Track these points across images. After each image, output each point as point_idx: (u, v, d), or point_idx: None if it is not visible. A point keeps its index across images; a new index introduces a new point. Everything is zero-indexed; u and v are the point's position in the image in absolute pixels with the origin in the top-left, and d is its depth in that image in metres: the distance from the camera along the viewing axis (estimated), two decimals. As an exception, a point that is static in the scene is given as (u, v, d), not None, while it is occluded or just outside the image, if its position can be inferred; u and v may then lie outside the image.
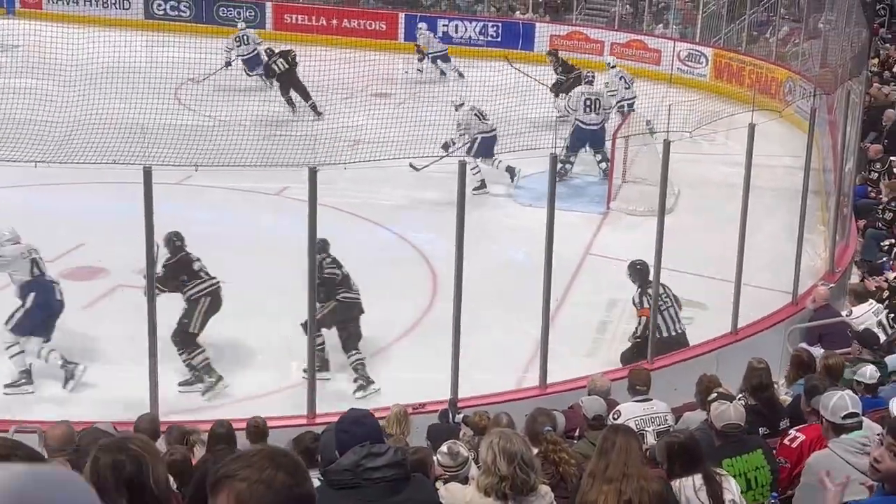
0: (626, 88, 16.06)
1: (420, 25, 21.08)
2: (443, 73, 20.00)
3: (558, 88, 16.73)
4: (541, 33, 21.89)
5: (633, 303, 9.30)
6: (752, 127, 9.01)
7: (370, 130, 13.95)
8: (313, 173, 7.06)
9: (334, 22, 23.08)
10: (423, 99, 17.27)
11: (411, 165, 13.04)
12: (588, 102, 14.37)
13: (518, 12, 23.38)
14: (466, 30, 22.52)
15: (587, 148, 14.46)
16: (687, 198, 13.56)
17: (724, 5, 21.33)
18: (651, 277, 8.92)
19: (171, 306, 8.71)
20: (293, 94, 17.12)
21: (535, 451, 4.43)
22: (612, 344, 9.93)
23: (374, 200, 13.27)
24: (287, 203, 12.67)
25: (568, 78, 16.84)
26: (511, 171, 13.86)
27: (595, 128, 14.37)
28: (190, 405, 8.16)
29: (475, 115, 13.81)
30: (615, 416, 5.95)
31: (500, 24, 22.56)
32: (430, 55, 20.11)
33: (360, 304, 9.10)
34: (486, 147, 13.78)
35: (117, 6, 23.50)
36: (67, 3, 23.76)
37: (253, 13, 23.48)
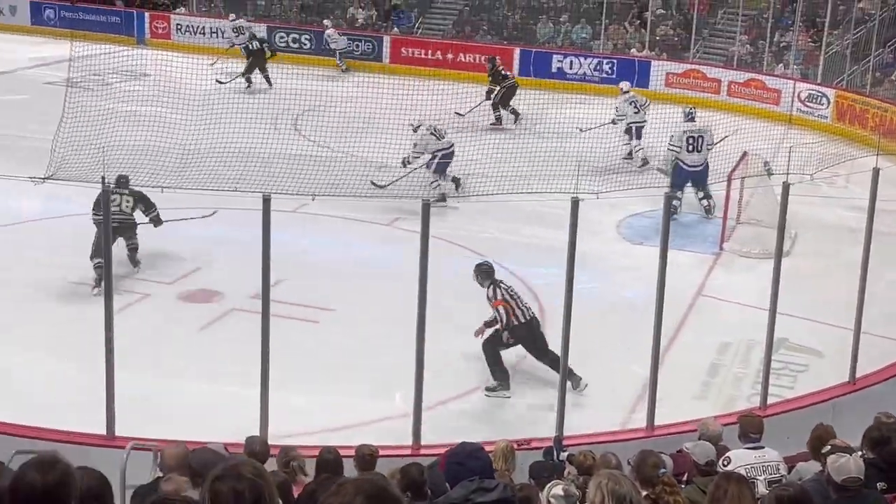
0: (635, 112, 16.49)
1: (325, 23, 23.90)
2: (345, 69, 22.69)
3: (492, 96, 18.80)
4: (657, 71, 21.72)
5: (487, 298, 9.52)
6: (876, 171, 8.73)
7: (483, 165, 14.04)
8: (426, 206, 7.12)
9: (450, 56, 23.35)
10: (539, 134, 17.33)
11: (373, 183, 13.63)
12: (691, 141, 14.15)
13: (634, 49, 23.25)
14: (581, 66, 22.50)
15: (689, 186, 14.27)
16: (804, 241, 13.22)
17: (847, 46, 20.81)
18: (496, 277, 9.58)
19: (286, 334, 8.86)
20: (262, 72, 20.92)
21: (644, 493, 4.35)
22: (723, 388, 9.73)
23: (484, 234, 13.31)
24: (398, 234, 12.81)
25: (501, 87, 18.82)
26: (456, 181, 14.41)
27: (698, 169, 14.16)
28: (298, 430, 8.25)
29: (431, 133, 14.35)
30: (725, 463, 5.80)
31: (615, 61, 22.46)
32: (338, 52, 23.03)
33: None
34: (444, 163, 14.28)
35: (242, 38, 24.23)
36: (194, 34, 24.65)
37: (371, 46, 23.95)
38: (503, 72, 19.50)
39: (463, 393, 9.39)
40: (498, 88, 19.00)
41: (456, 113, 17.98)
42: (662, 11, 23.97)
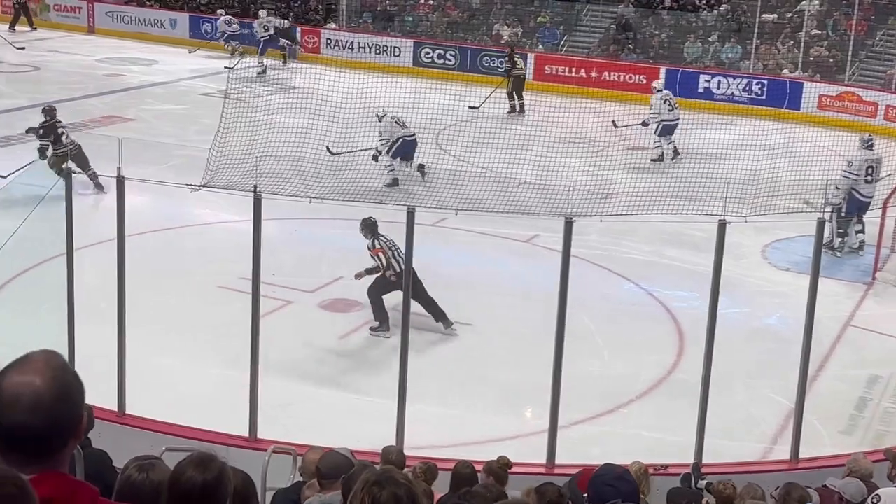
0: (669, 111, 17.08)
1: (220, 11, 25.71)
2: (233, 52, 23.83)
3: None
4: (808, 93, 21.05)
5: (367, 248, 10.40)
6: None
7: (624, 183, 13.89)
8: (569, 224, 7.09)
9: (594, 74, 23.21)
10: (683, 154, 17.02)
11: (329, 149, 14.10)
12: (870, 170, 13.54)
13: (786, 70, 22.60)
14: (729, 86, 22.02)
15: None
16: (964, 273, 12.57)
17: None
18: (380, 230, 10.33)
19: (424, 346, 8.98)
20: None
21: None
22: (871, 423, 9.31)
23: (623, 254, 13.15)
24: (535, 251, 12.80)
25: (510, 76, 20.32)
26: (421, 168, 14.93)
27: (869, 199, 13.58)
28: (431, 442, 8.31)
29: (395, 122, 14.86)
30: (874, 501, 5.56)
31: (765, 82, 21.88)
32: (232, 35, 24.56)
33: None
34: (405, 149, 14.88)
35: (388, 53, 24.70)
36: (343, 49, 25.22)
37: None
38: (516, 60, 20.64)
39: (596, 414, 9.27)
40: (510, 78, 20.33)
41: (470, 107, 18.50)
42: (817, 32, 23.23)
